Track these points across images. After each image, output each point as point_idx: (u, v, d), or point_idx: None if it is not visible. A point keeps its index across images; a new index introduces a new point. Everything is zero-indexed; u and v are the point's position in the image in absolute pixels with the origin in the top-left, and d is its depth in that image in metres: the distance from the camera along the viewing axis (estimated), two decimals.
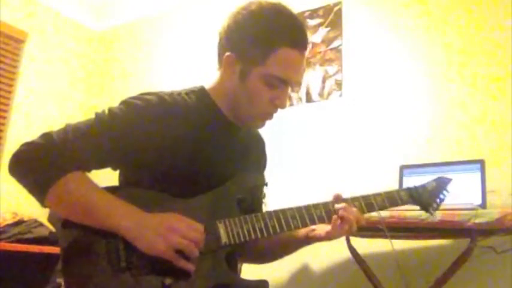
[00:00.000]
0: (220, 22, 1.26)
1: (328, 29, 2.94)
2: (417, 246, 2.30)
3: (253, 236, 1.13)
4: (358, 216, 1.21)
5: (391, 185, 2.24)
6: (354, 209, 1.21)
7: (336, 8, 2.95)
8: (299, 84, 1.30)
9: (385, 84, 2.70)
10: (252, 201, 1.25)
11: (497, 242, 2.02)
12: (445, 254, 2.11)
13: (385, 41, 2.76)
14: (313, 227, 1.24)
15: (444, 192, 1.29)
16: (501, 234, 1.92)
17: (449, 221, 1.78)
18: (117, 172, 1.26)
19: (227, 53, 1.20)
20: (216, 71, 1.28)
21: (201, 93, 1.26)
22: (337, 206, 1.20)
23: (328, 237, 1.22)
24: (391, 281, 2.17)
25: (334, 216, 1.19)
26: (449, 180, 1.31)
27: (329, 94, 2.86)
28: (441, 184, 1.30)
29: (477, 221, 1.75)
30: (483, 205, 2.00)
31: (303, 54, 1.22)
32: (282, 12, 1.21)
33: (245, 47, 1.19)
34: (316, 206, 1.21)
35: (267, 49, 1.17)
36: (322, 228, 1.24)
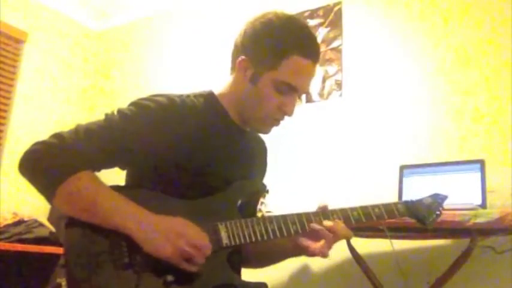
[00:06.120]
0: (237, 30, 1.29)
1: (328, 29, 2.94)
2: (417, 246, 2.30)
3: (253, 239, 1.15)
4: (347, 233, 1.21)
5: (391, 185, 2.25)
6: (342, 225, 1.20)
7: (336, 8, 2.95)
8: (306, 93, 1.34)
9: (385, 84, 2.70)
10: (253, 207, 1.28)
11: (497, 242, 2.03)
12: (445, 254, 2.11)
13: (385, 41, 2.76)
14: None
15: (440, 208, 1.29)
16: (501, 234, 1.92)
17: (449, 221, 1.78)
18: (122, 172, 1.27)
19: (241, 57, 1.25)
20: (228, 75, 1.32)
21: (209, 97, 1.30)
22: (326, 223, 1.18)
23: (316, 254, 1.20)
24: (391, 281, 2.17)
25: (328, 234, 1.18)
26: (445, 197, 1.31)
27: (329, 94, 2.86)
28: (437, 200, 1.30)
29: (477, 221, 1.75)
30: (483, 205, 2.00)
31: (314, 65, 1.25)
32: (296, 23, 1.27)
33: (259, 52, 1.23)
34: (315, 214, 1.21)
35: (280, 55, 1.21)
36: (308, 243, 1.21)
